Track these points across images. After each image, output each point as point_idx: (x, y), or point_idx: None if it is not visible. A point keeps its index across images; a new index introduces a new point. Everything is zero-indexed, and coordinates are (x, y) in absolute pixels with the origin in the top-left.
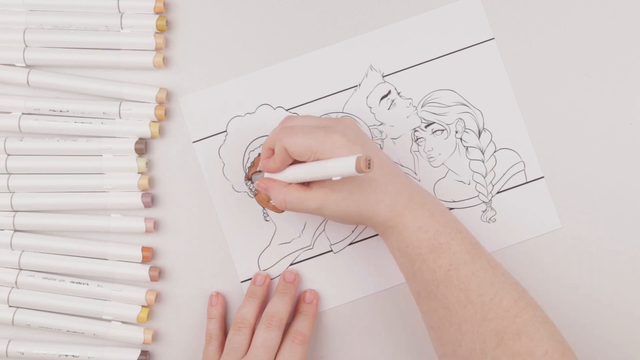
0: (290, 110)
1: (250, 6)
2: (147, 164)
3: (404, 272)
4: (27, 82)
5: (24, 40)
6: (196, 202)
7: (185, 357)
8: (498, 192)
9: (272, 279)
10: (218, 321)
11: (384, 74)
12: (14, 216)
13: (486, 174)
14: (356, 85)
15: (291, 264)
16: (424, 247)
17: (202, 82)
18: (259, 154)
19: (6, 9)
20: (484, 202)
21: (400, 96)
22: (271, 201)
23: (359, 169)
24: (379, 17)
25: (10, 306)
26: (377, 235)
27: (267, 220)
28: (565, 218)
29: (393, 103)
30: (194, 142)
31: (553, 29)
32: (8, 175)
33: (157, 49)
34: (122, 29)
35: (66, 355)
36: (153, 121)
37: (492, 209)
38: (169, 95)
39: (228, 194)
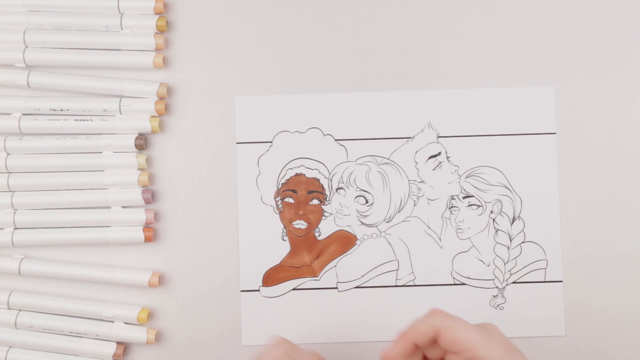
0: (338, 142)
1: (250, 6)
2: (147, 160)
3: None
4: (27, 83)
5: (24, 41)
6: (197, 199)
7: (186, 357)
8: (513, 282)
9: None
10: None
11: (439, 135)
12: (14, 214)
13: (507, 261)
14: (409, 137)
15: (294, 289)
16: None
17: (202, 82)
18: (296, 174)
19: (6, 9)
20: (497, 287)
21: (449, 161)
22: (295, 223)
23: None
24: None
25: (10, 308)
26: (384, 286)
27: (284, 240)
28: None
29: (439, 165)
30: (237, 143)
31: (553, 29)
32: (8, 174)
33: (157, 50)
34: (122, 29)
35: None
36: (153, 116)
37: (503, 296)
38: (169, 91)
39: (255, 203)
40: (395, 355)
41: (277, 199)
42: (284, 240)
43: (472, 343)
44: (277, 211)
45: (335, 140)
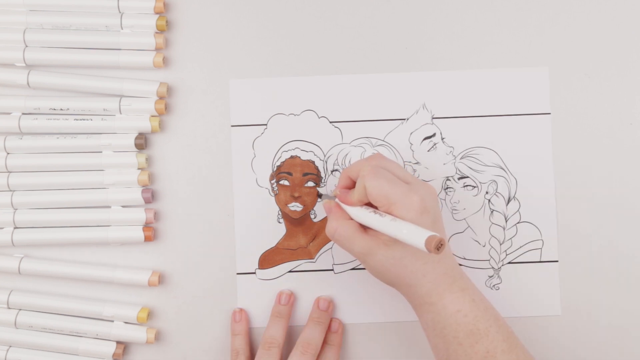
0: (332, 124)
1: (250, 6)
2: (147, 159)
3: (437, 352)
4: (27, 83)
5: (24, 40)
6: (197, 198)
7: (185, 356)
8: (509, 263)
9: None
10: (244, 337)
11: (434, 116)
12: (14, 214)
13: (503, 242)
14: (404, 119)
15: (290, 271)
16: (462, 331)
17: (202, 81)
18: (291, 156)
19: (6, 9)
20: (492, 267)
21: (444, 142)
22: (290, 206)
23: (428, 247)
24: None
25: (9, 308)
26: None
27: (279, 222)
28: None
29: (434, 146)
30: (232, 126)
31: (553, 29)
32: (8, 173)
33: (157, 49)
34: (122, 29)
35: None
36: (153, 115)
37: (499, 276)
38: (169, 90)
39: (250, 186)
40: (337, 188)
41: (272, 182)
42: (279, 222)
43: (387, 200)
44: (272, 194)
45: (330, 122)
